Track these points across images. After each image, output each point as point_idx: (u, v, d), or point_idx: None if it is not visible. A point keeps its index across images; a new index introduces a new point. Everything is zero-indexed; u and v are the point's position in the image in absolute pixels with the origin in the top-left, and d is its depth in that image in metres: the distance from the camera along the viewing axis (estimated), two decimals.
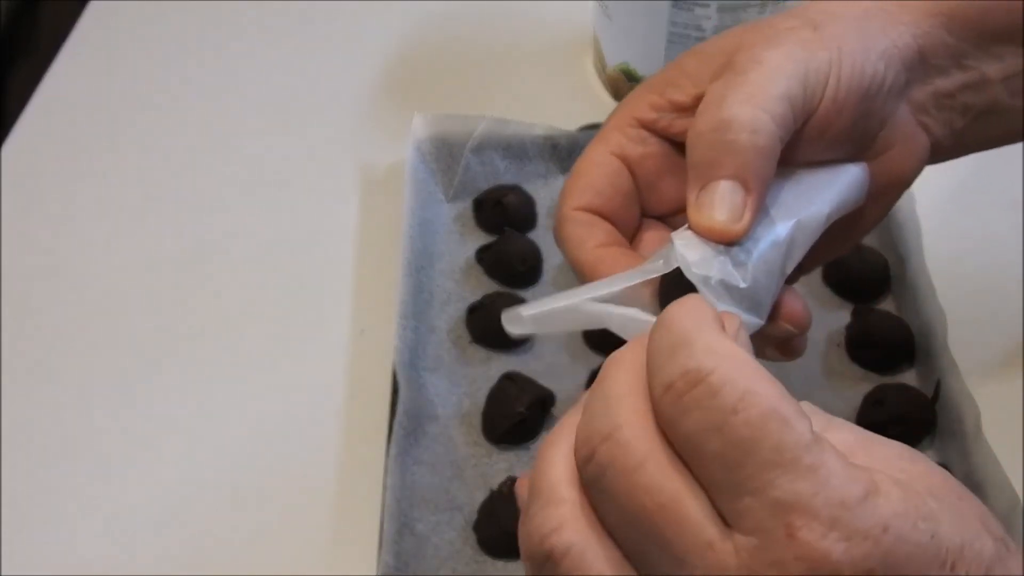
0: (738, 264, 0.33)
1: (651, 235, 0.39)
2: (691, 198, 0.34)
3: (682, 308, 0.28)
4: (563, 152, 0.61)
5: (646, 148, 0.38)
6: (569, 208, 0.38)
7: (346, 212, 0.61)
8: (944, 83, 0.39)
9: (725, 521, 0.26)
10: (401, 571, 0.44)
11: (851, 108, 0.36)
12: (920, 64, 0.38)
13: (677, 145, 0.38)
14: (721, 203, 0.33)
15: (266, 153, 0.66)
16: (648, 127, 0.38)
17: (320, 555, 0.47)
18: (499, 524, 0.46)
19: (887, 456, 0.28)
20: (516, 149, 0.61)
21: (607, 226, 0.38)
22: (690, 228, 0.34)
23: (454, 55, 0.72)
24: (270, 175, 0.64)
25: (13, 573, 0.47)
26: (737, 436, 0.25)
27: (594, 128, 0.62)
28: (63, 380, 0.54)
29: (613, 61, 0.66)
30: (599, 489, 0.27)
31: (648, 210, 0.39)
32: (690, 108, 0.36)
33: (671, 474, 0.26)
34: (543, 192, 0.60)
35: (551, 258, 0.58)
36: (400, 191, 0.58)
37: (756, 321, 0.33)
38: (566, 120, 0.62)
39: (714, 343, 0.26)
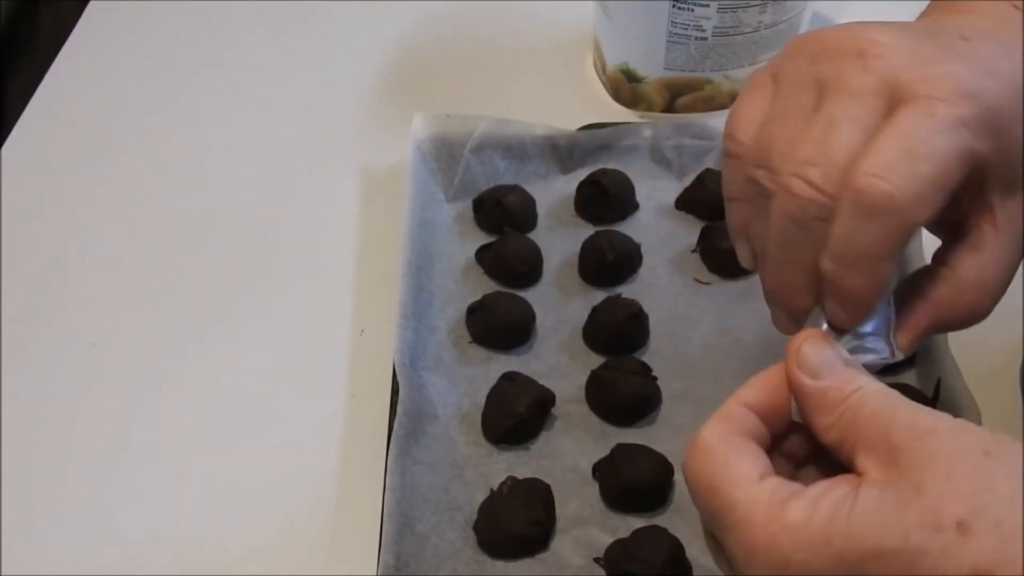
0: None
1: None
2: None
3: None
4: (563, 152, 0.61)
5: None
6: (923, 216, 0.34)
7: (346, 212, 0.61)
8: None
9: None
10: (401, 571, 0.44)
11: None
12: None
13: None
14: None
15: (266, 153, 0.66)
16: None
17: (320, 555, 0.47)
18: (499, 524, 0.46)
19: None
20: (516, 149, 0.61)
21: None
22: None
23: (454, 55, 0.72)
24: (270, 175, 0.64)
25: (13, 573, 0.47)
26: (691, 477, 0.34)
27: (594, 128, 0.62)
28: (63, 380, 0.54)
29: (613, 61, 0.66)
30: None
31: None
32: None
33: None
34: (543, 192, 0.60)
35: (551, 258, 0.58)
36: (400, 191, 0.58)
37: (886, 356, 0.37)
38: (566, 120, 0.62)
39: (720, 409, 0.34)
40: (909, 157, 0.32)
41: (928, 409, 0.31)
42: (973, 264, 0.36)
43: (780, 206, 0.35)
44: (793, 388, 0.34)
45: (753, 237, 0.38)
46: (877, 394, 0.32)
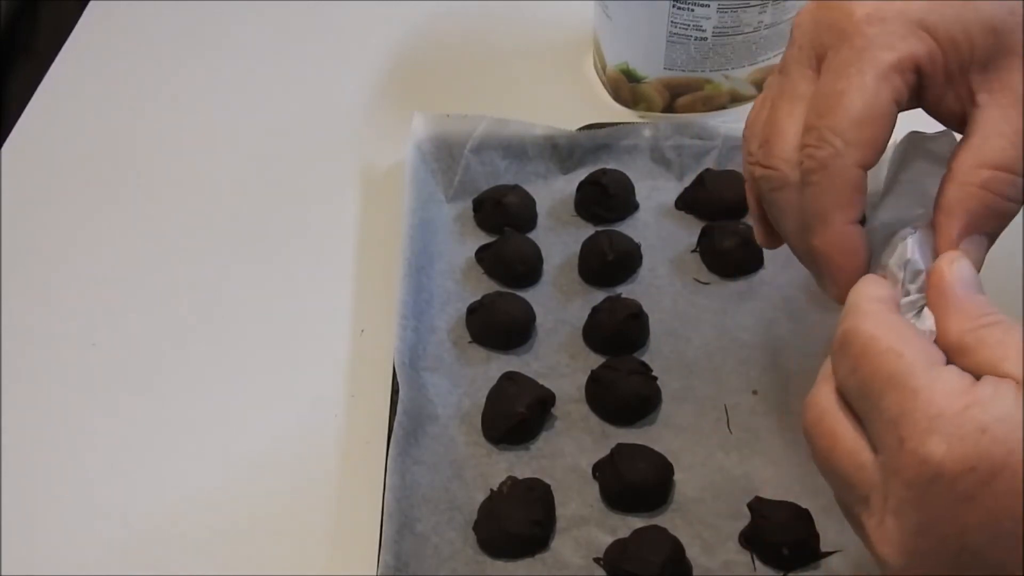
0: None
1: None
2: (952, 237, 0.37)
3: (855, 288, 0.36)
4: (563, 152, 0.61)
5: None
6: (856, 165, 0.37)
7: (346, 212, 0.61)
8: None
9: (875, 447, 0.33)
10: (401, 571, 0.44)
11: None
12: None
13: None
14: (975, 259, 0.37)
15: (266, 153, 0.66)
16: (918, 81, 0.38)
17: (320, 555, 0.47)
18: (499, 524, 0.46)
19: None
20: (516, 149, 0.61)
21: None
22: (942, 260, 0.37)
23: (454, 55, 0.72)
24: (270, 175, 0.64)
25: (13, 573, 0.47)
26: (862, 374, 0.33)
27: (594, 128, 0.62)
28: (63, 380, 0.54)
29: (613, 61, 0.66)
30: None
31: None
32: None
33: (841, 418, 0.34)
34: (543, 192, 0.60)
35: (551, 258, 0.58)
36: (400, 191, 0.58)
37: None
38: (566, 120, 0.62)
39: (862, 306, 0.35)
40: (823, 121, 0.36)
41: None
42: (967, 155, 0.37)
43: (754, 188, 0.41)
44: (940, 288, 0.35)
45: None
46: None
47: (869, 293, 0.36)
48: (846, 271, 0.37)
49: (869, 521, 0.33)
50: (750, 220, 0.43)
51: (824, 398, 0.35)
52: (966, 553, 0.31)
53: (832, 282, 0.38)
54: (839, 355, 0.34)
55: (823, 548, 0.45)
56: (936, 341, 0.34)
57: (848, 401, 0.34)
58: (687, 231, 0.59)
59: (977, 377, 0.32)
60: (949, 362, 0.33)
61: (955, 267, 0.35)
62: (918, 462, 0.30)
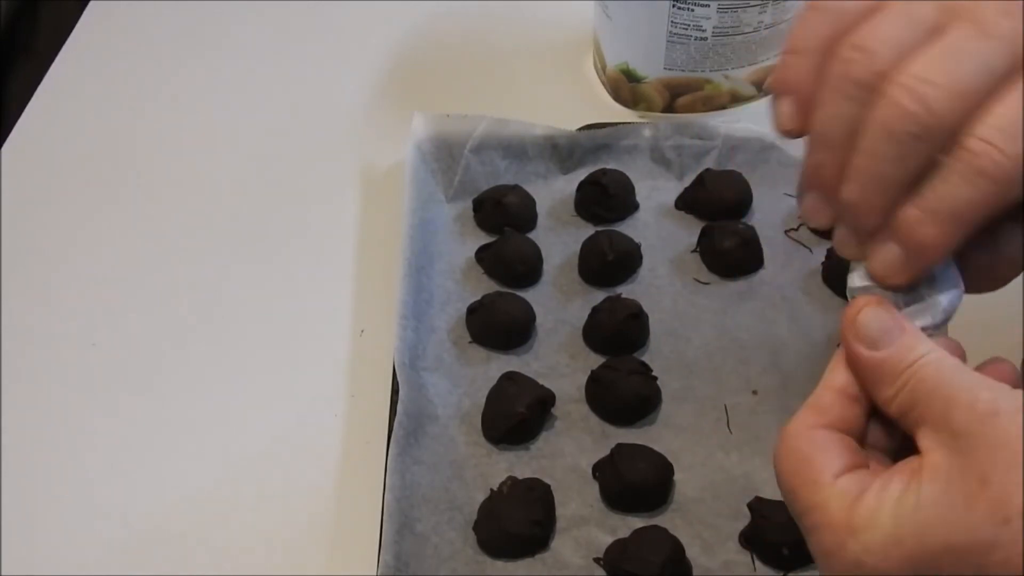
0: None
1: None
2: None
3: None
4: (563, 152, 0.61)
5: None
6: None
7: (346, 212, 0.61)
8: None
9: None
10: (401, 571, 0.44)
11: None
12: None
13: None
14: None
15: (266, 153, 0.66)
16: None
17: (320, 555, 0.47)
18: (499, 524, 0.46)
19: None
20: (516, 149, 0.61)
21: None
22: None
23: (454, 55, 0.72)
24: (270, 175, 0.64)
25: (13, 573, 0.47)
26: (781, 466, 0.34)
27: (594, 128, 0.62)
28: (63, 380, 0.54)
29: (613, 61, 0.66)
30: None
31: None
32: None
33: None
34: (543, 192, 0.60)
35: (551, 258, 0.58)
36: (400, 191, 0.58)
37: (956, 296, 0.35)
38: (566, 120, 0.62)
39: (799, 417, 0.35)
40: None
41: (989, 382, 0.31)
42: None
43: (882, 116, 0.32)
44: (851, 360, 0.34)
45: (816, 113, 0.34)
46: (937, 365, 0.32)
47: (826, 379, 0.35)
48: (926, 265, 0.34)
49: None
50: (776, 97, 0.35)
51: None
52: None
53: (906, 266, 0.34)
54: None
55: None
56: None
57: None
58: (687, 231, 0.59)
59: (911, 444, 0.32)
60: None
61: (859, 324, 0.33)
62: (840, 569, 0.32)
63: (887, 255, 0.33)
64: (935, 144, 0.31)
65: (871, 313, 0.33)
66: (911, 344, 0.32)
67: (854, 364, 0.34)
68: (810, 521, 0.32)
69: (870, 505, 0.31)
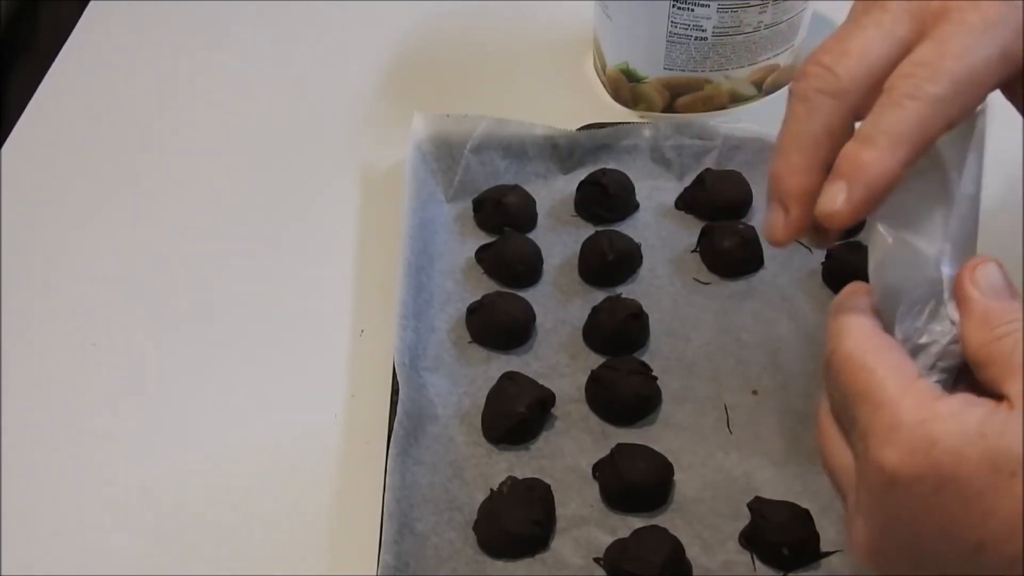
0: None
1: None
2: None
3: (837, 303, 0.37)
4: (563, 152, 0.61)
5: None
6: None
7: (346, 212, 0.61)
8: None
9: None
10: (401, 571, 0.44)
11: None
12: None
13: None
14: None
15: (266, 153, 0.66)
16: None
17: (320, 555, 0.47)
18: (499, 524, 0.46)
19: None
20: (516, 149, 0.61)
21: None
22: None
23: (454, 55, 0.72)
24: (270, 175, 0.64)
25: (13, 573, 0.47)
26: (841, 390, 0.34)
27: (594, 128, 0.62)
28: (63, 380, 0.54)
29: (613, 61, 0.66)
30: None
31: None
32: None
33: (829, 425, 0.36)
34: (543, 192, 0.60)
35: (551, 258, 0.58)
36: (400, 191, 0.58)
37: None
38: (566, 120, 0.62)
39: (843, 325, 0.35)
40: (940, 58, 0.34)
41: None
42: None
43: (792, 90, 0.37)
44: (961, 298, 0.35)
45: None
46: None
47: (852, 311, 0.36)
48: (874, 194, 0.35)
49: (846, 519, 0.35)
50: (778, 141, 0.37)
51: (822, 407, 0.37)
52: (923, 555, 0.32)
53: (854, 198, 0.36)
54: (825, 371, 0.36)
55: (823, 548, 0.45)
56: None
57: (834, 412, 0.36)
58: (687, 231, 0.59)
59: (990, 394, 0.32)
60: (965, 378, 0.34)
61: (978, 273, 0.35)
62: (876, 469, 0.32)
63: (831, 191, 0.35)
64: (844, 101, 0.35)
65: (993, 268, 0.35)
66: (1015, 307, 0.34)
67: (963, 302, 0.35)
68: (884, 395, 0.33)
69: (954, 407, 0.31)
